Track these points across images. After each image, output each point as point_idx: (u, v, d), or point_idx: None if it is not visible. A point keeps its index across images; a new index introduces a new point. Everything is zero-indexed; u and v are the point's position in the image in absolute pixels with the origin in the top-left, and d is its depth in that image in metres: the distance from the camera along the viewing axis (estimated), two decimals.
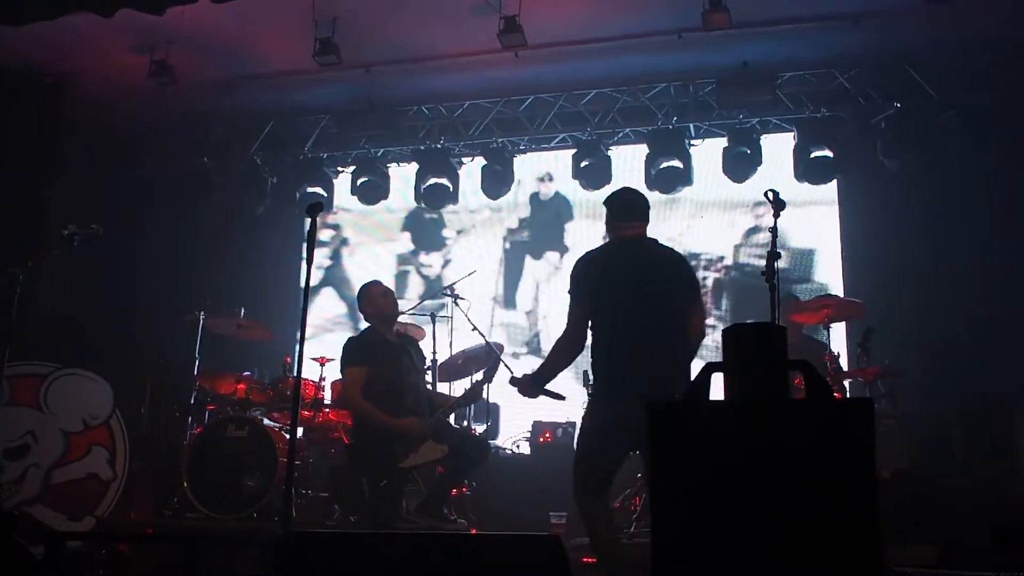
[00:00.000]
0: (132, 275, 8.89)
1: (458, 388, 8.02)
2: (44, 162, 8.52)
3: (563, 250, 9.66)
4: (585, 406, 4.66)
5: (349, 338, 6.64)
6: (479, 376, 6.72)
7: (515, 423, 8.56)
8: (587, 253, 4.99)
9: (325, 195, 9.91)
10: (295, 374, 7.73)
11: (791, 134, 8.99)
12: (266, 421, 7.47)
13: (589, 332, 4.75)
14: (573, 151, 9.37)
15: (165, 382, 7.90)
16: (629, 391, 4.48)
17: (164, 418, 7.70)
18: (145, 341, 8.44)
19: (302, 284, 9.86)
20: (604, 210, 5.07)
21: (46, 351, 7.22)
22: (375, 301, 6.52)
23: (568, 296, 4.83)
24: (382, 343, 6.41)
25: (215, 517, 6.75)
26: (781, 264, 4.71)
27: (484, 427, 8.08)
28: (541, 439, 8.06)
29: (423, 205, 9.74)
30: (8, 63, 8.26)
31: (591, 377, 4.90)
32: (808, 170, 8.70)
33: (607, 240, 5.09)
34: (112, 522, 6.87)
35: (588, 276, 4.81)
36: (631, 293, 4.72)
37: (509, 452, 8.42)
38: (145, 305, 8.84)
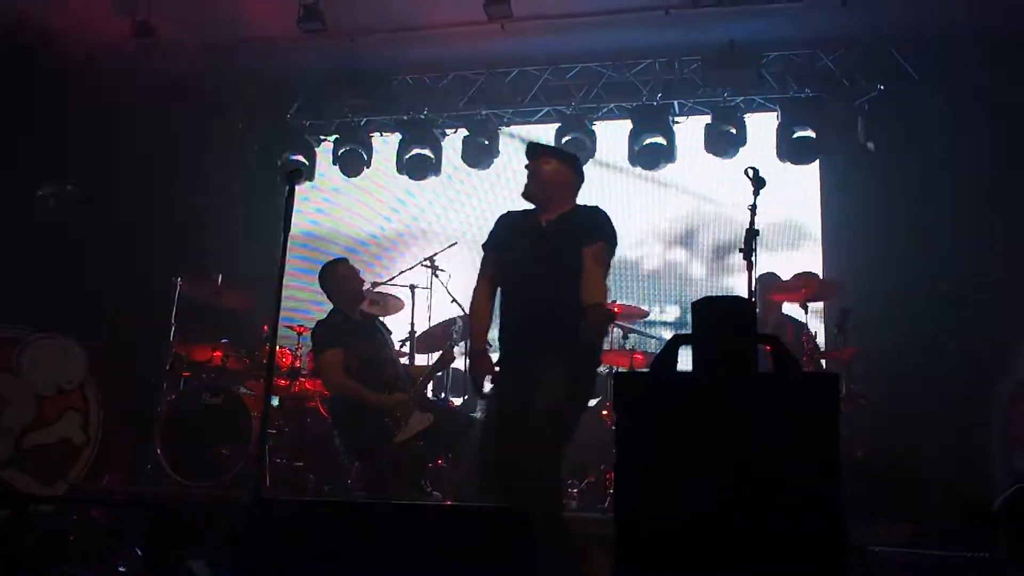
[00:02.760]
0: (108, 239, 8.79)
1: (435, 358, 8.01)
2: (19, 123, 8.42)
3: None
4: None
5: (317, 323, 6.54)
6: (449, 341, 6.70)
7: None
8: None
9: (307, 163, 9.86)
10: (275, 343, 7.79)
11: (775, 113, 8.98)
12: (242, 389, 7.45)
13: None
14: (557, 125, 9.32)
15: (140, 348, 7.85)
16: None
17: (139, 384, 7.65)
18: (121, 306, 8.37)
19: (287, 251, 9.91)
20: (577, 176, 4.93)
21: (19, 315, 7.16)
22: (340, 280, 6.48)
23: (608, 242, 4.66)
24: (350, 323, 6.41)
25: (188, 484, 6.74)
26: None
27: (462, 399, 8.08)
28: None
29: (406, 176, 9.67)
30: None
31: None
32: (791, 150, 8.70)
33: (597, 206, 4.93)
34: (84, 488, 6.85)
35: None
36: None
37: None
38: (121, 269, 8.75)
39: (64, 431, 6.91)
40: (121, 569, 3.79)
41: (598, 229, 4.63)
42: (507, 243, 4.79)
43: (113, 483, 7.19)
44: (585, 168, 4.97)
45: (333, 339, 6.26)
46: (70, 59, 8.52)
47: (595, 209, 4.79)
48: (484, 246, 4.90)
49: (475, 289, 4.87)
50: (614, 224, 4.69)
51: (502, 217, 4.94)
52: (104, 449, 7.03)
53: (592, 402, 7.89)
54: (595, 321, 4.28)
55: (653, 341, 8.41)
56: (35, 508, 4.76)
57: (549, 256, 4.56)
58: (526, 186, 4.81)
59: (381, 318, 7.02)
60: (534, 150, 4.88)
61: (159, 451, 6.91)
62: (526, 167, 4.84)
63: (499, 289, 4.77)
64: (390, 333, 6.82)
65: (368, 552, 2.82)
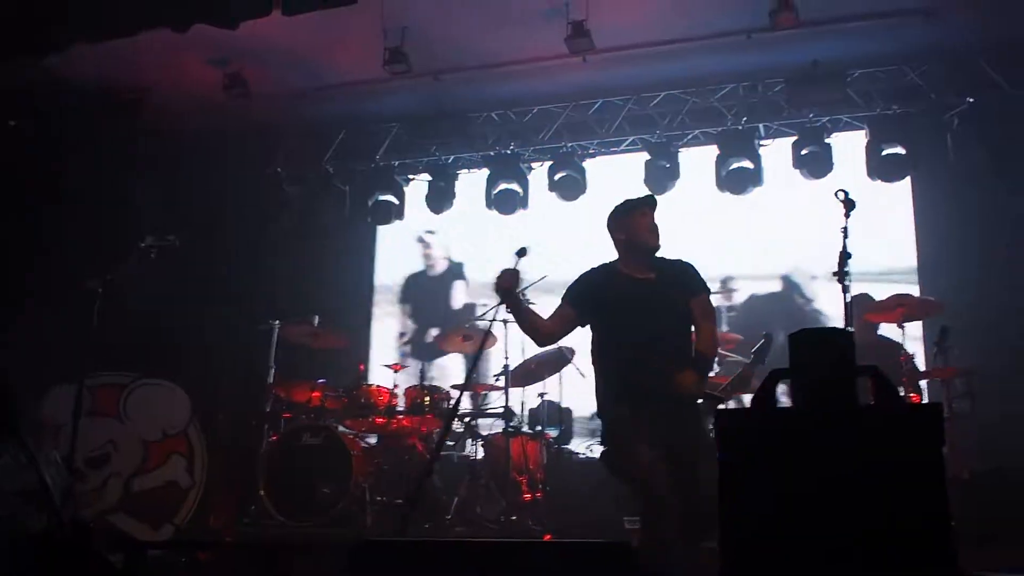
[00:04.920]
0: (209, 285, 9.04)
1: (531, 393, 8.02)
2: (121, 176, 8.73)
3: None
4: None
5: None
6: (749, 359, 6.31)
7: (588, 427, 8.54)
8: None
9: (397, 202, 10.02)
10: (368, 381, 7.91)
11: (863, 132, 8.83)
12: (341, 428, 7.56)
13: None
14: (643, 154, 9.30)
15: (241, 391, 8.03)
16: None
17: (241, 426, 7.81)
18: (222, 350, 8.59)
19: (374, 292, 10.06)
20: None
21: (125, 361, 7.39)
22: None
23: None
24: None
25: (292, 524, 6.85)
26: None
27: (557, 431, 8.08)
28: None
29: (494, 210, 9.73)
30: (88, 80, 8.47)
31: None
32: (880, 168, 8.55)
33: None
34: (191, 530, 7.01)
35: None
36: None
37: (582, 456, 8.39)
38: (222, 315, 8.99)
39: (170, 474, 7.08)
40: None
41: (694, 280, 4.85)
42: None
43: (218, 524, 7.33)
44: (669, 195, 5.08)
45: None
46: (166, 112, 8.83)
47: (688, 264, 4.92)
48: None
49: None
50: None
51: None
52: (209, 491, 7.18)
53: None
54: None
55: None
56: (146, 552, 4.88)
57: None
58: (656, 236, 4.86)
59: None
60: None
61: (262, 492, 7.05)
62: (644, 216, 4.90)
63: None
64: None
65: None
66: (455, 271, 10.13)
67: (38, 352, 6.91)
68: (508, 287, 4.70)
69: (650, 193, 5.15)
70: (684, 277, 4.78)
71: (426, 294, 10.10)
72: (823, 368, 2.34)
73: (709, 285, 4.86)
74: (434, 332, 9.45)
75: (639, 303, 4.69)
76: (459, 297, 9.91)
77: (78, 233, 8.09)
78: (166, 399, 7.24)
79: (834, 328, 2.49)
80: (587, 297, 4.83)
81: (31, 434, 3.47)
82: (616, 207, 4.96)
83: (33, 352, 6.84)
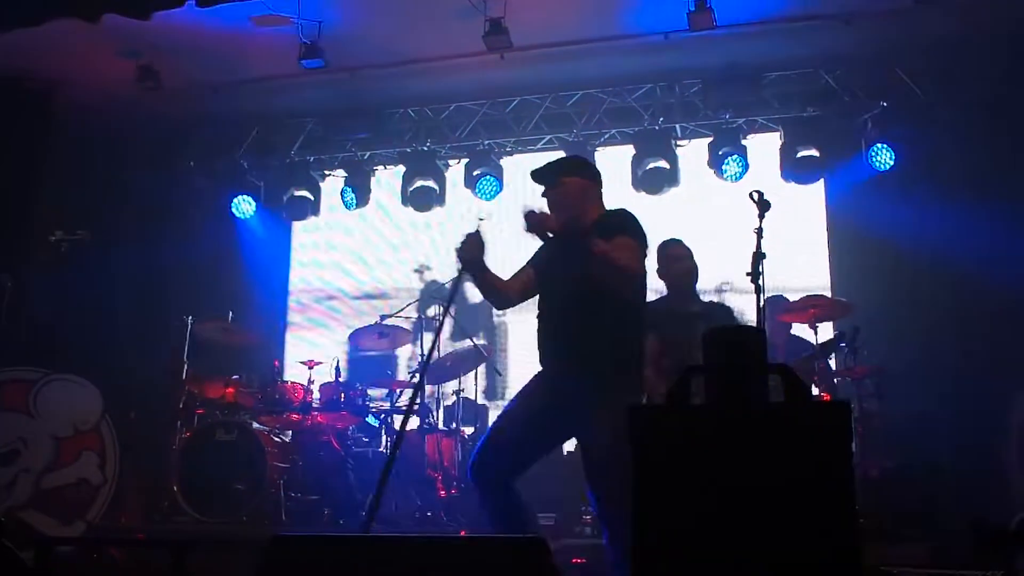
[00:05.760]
0: (119, 280, 8.88)
1: (447, 389, 8.06)
2: (30, 169, 8.52)
3: None
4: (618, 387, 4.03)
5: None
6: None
7: None
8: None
9: (312, 198, 9.94)
10: (283, 378, 7.87)
11: (778, 133, 9.01)
12: (255, 425, 7.50)
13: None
14: (560, 152, 9.36)
15: (154, 387, 7.91)
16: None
17: (154, 422, 7.70)
18: (135, 346, 8.45)
19: (289, 288, 9.98)
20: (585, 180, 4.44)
21: (35, 357, 7.22)
22: (669, 260, 5.77)
23: (634, 238, 4.16)
24: (673, 311, 5.65)
25: (205, 521, 6.78)
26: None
27: (473, 428, 8.11)
28: None
29: (410, 207, 9.71)
30: None
31: (617, 352, 4.14)
32: (794, 169, 8.72)
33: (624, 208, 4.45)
34: (103, 527, 6.88)
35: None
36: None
37: None
38: (132, 310, 8.84)
39: (82, 471, 6.94)
40: None
41: (616, 227, 4.17)
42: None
43: (131, 521, 7.23)
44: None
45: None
46: (76, 104, 8.64)
47: (624, 213, 4.32)
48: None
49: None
50: (638, 223, 4.23)
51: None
52: (121, 488, 7.06)
53: None
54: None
55: None
56: (57, 548, 4.79)
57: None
58: (554, 217, 4.21)
59: None
60: (547, 173, 4.45)
61: (176, 488, 6.97)
62: (545, 195, 4.42)
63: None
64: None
65: None
66: None
67: None
68: (474, 256, 4.22)
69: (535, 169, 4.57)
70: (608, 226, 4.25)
71: None
72: (735, 366, 2.41)
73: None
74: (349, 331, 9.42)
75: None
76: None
77: None
78: (77, 395, 7.08)
79: (745, 326, 2.56)
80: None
81: None
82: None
83: None
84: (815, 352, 6.45)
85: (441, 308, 7.78)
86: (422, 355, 7.68)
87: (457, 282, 4.36)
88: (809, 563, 2.22)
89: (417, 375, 7.61)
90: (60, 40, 7.70)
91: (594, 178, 4.48)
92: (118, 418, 7.23)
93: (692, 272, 5.67)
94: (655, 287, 5.43)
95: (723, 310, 5.85)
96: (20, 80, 8.48)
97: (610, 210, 4.40)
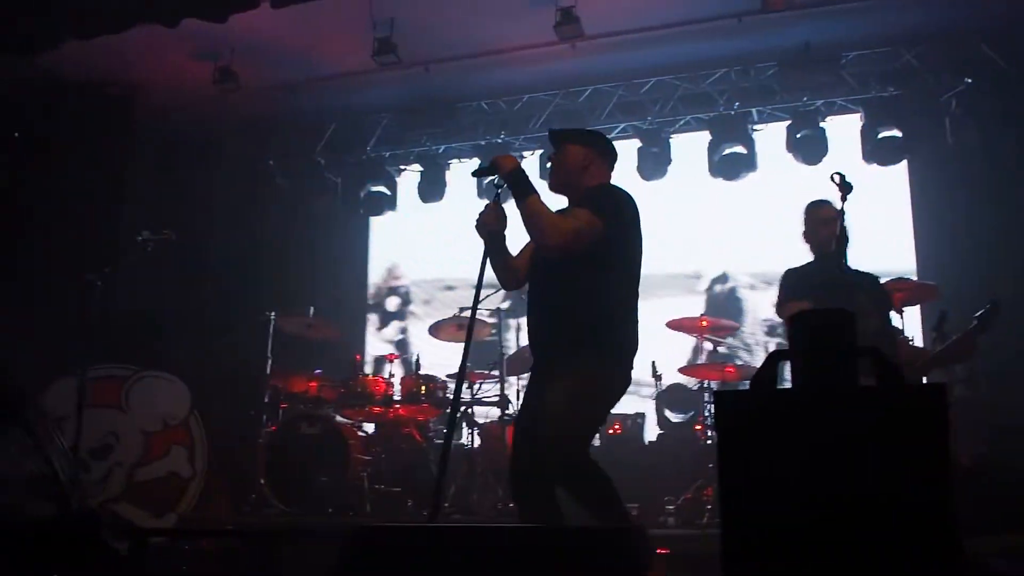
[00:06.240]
0: (204, 278, 9.09)
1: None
2: (114, 172, 8.74)
3: None
4: (588, 371, 3.93)
5: (787, 269, 5.65)
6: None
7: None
8: (625, 191, 4.32)
9: (389, 193, 10.03)
10: (364, 372, 7.96)
11: (858, 115, 8.83)
12: (338, 418, 7.61)
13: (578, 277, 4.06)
14: (635, 142, 9.31)
15: (239, 382, 8.06)
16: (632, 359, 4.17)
17: (239, 417, 7.85)
18: (219, 342, 8.62)
19: (368, 283, 10.08)
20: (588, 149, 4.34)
21: (125, 354, 7.41)
22: (818, 222, 5.51)
23: (594, 210, 4.05)
24: (822, 273, 5.39)
25: (292, 513, 6.89)
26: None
27: None
28: (610, 430, 8.05)
29: (485, 200, 9.70)
30: (78, 77, 8.47)
31: (593, 335, 4.01)
32: (876, 151, 8.53)
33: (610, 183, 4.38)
34: (193, 519, 7.04)
35: (636, 220, 4.21)
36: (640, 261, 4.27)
37: None
38: (217, 307, 9.02)
39: (172, 465, 7.12)
40: None
41: (587, 199, 4.13)
42: None
43: (219, 513, 7.37)
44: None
45: (797, 289, 5.40)
46: (157, 108, 8.83)
47: (602, 187, 4.27)
48: None
49: None
50: (622, 204, 4.15)
51: None
52: (210, 481, 7.22)
53: (685, 417, 7.92)
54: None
55: (744, 354, 8.37)
56: (150, 540, 4.91)
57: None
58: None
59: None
60: (557, 137, 4.46)
61: (262, 481, 7.09)
62: (550, 157, 4.53)
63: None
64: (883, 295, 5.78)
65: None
66: None
67: (39, 346, 6.95)
68: (494, 227, 4.23)
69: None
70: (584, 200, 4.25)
71: None
72: (824, 348, 2.35)
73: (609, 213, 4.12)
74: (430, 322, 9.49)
75: None
76: None
77: (76, 228, 8.09)
78: (166, 391, 7.27)
79: (835, 309, 2.47)
80: None
81: (37, 423, 3.49)
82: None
83: (34, 346, 6.88)
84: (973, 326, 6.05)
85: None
86: (501, 346, 7.67)
87: (486, 258, 4.25)
88: (908, 552, 2.16)
89: (496, 367, 7.62)
90: (140, 45, 7.86)
91: (601, 151, 4.38)
92: (205, 413, 7.39)
93: (841, 236, 5.30)
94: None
95: (872, 281, 5.63)
96: (102, 87, 8.69)
97: (600, 185, 4.31)
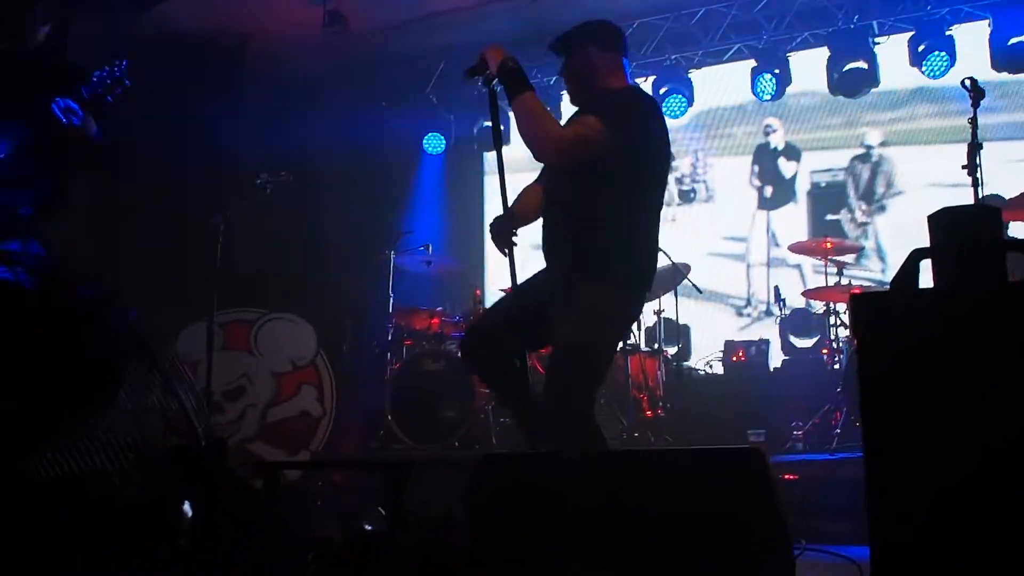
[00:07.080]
0: (323, 220, 9.23)
1: (647, 309, 7.98)
2: (230, 120, 8.89)
3: None
4: (599, 295, 3.68)
5: None
6: None
7: (706, 343, 8.48)
8: (643, 95, 4.07)
9: (502, 127, 9.97)
10: (485, 306, 7.99)
11: (986, 21, 8.37)
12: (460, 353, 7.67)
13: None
14: (750, 63, 9.03)
15: (363, 321, 8.20)
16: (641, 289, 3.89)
17: (364, 355, 7.99)
18: (341, 282, 8.76)
19: (484, 217, 10.14)
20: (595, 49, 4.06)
21: (251, 297, 7.60)
22: None
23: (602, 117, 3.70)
24: None
25: (419, 447, 7.01)
26: None
27: (675, 348, 8.04)
28: (734, 358, 7.95)
29: None
30: (189, 29, 8.62)
31: (604, 258, 3.75)
32: (1007, 58, 8.05)
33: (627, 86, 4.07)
34: (325, 455, 7.25)
35: (653, 128, 3.84)
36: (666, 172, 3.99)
37: (702, 372, 8.34)
38: (337, 247, 9.17)
39: (302, 404, 7.33)
40: (368, 527, 3.98)
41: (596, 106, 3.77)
42: None
43: (349, 449, 7.56)
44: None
45: None
46: (268, 54, 8.94)
47: (615, 91, 3.91)
48: None
49: None
50: (635, 110, 3.79)
51: None
52: (339, 419, 7.39)
53: (811, 342, 7.78)
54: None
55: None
56: (284, 476, 5.06)
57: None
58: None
59: None
60: (561, 44, 4.16)
61: (389, 417, 7.22)
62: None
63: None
64: None
65: (593, 501, 2.81)
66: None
67: (168, 292, 7.16)
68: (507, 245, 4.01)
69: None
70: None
71: None
72: (969, 245, 2.19)
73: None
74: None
75: None
76: None
77: (195, 177, 8.28)
78: (293, 332, 7.47)
79: (979, 204, 2.32)
80: None
81: (170, 363, 3.59)
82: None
83: (163, 292, 7.09)
84: None
85: None
86: None
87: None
88: None
89: None
90: None
91: (603, 44, 4.07)
92: (332, 353, 7.55)
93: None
94: None
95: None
96: (213, 39, 8.83)
97: (613, 89, 3.97)
